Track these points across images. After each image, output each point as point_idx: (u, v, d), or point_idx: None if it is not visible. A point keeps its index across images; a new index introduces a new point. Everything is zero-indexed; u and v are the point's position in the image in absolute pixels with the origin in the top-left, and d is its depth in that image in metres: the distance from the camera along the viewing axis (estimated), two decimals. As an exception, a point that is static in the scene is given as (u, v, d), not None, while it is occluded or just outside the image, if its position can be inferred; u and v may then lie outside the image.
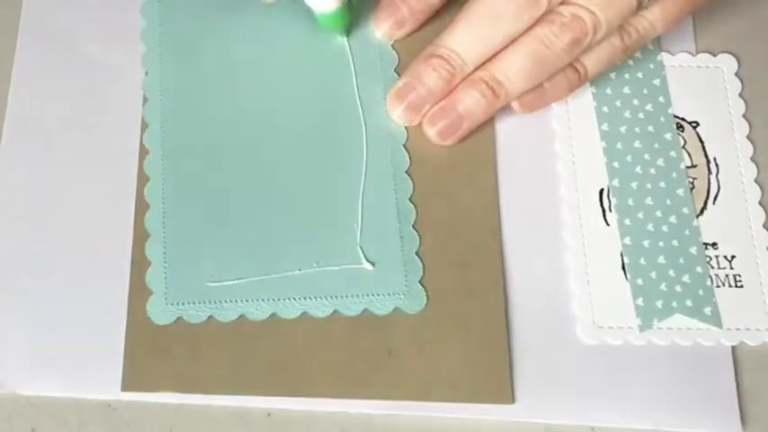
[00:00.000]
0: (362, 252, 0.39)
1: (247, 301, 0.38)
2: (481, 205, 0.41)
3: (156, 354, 0.37)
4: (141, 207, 0.39)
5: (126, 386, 0.36)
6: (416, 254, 0.39)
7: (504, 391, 0.38)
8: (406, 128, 0.42)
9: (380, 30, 0.43)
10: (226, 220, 0.39)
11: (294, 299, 0.38)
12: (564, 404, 0.38)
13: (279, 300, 0.38)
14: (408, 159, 0.41)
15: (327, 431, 0.37)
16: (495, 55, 0.40)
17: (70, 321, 0.37)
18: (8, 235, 0.39)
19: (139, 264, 0.38)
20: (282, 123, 0.41)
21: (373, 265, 0.39)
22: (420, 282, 0.39)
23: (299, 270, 0.38)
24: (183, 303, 0.37)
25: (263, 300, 0.38)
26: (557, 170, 0.43)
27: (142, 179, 0.39)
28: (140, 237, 0.39)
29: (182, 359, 0.37)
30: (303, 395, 0.37)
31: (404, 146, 0.41)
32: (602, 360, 0.39)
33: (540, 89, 0.41)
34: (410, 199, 0.40)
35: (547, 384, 0.39)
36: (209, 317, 0.37)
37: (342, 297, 0.38)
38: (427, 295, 0.39)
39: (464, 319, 0.39)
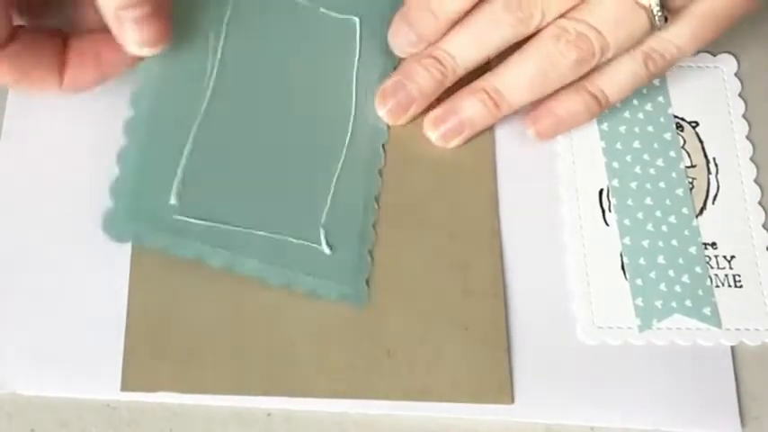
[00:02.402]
0: (324, 234, 0.39)
1: (207, 245, 0.37)
2: (481, 205, 0.41)
3: (155, 354, 0.37)
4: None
5: (125, 386, 0.36)
6: (369, 252, 0.39)
7: (503, 390, 0.38)
8: (388, 127, 0.42)
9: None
10: (204, 159, 0.38)
11: (252, 257, 0.38)
12: (564, 404, 0.38)
13: (237, 253, 0.37)
14: (383, 159, 0.41)
15: (327, 431, 0.37)
16: (500, 64, 0.40)
17: (70, 321, 0.37)
18: (8, 235, 0.39)
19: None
20: (277, 86, 0.41)
21: (331, 249, 0.39)
22: (366, 281, 0.39)
23: (263, 232, 0.38)
24: (144, 222, 0.37)
25: (221, 248, 0.37)
26: (557, 170, 0.43)
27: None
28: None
29: (181, 359, 0.37)
30: (302, 395, 0.37)
31: (382, 145, 0.41)
32: (602, 360, 0.39)
33: (556, 117, 0.41)
34: (376, 198, 0.40)
35: (547, 384, 0.39)
36: (166, 247, 0.37)
37: (296, 271, 0.38)
38: (370, 295, 0.39)
39: (464, 319, 0.39)
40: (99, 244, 0.39)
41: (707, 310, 0.41)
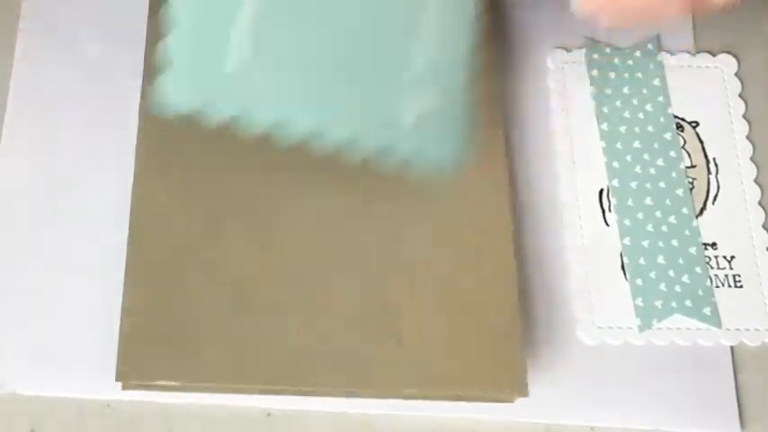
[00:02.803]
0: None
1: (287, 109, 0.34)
2: (494, 197, 0.40)
3: (151, 343, 0.36)
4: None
5: (120, 376, 0.35)
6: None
7: (518, 379, 0.37)
8: None
9: None
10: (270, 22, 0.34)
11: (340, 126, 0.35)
12: (564, 404, 0.38)
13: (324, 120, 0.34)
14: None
15: (327, 431, 0.37)
16: None
17: (70, 321, 0.37)
18: (8, 235, 0.39)
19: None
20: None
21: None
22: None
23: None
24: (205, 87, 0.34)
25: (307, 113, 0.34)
26: (557, 170, 0.43)
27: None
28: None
29: (179, 349, 0.36)
30: (307, 384, 0.36)
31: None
32: (602, 360, 0.39)
33: None
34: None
35: (547, 384, 0.39)
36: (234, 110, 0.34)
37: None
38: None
39: (477, 307, 0.38)
40: (99, 244, 0.39)
41: (707, 310, 0.41)
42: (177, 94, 0.33)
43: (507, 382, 0.37)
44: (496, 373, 0.37)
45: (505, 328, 0.38)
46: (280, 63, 0.34)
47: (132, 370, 0.35)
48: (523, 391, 0.37)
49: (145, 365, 0.36)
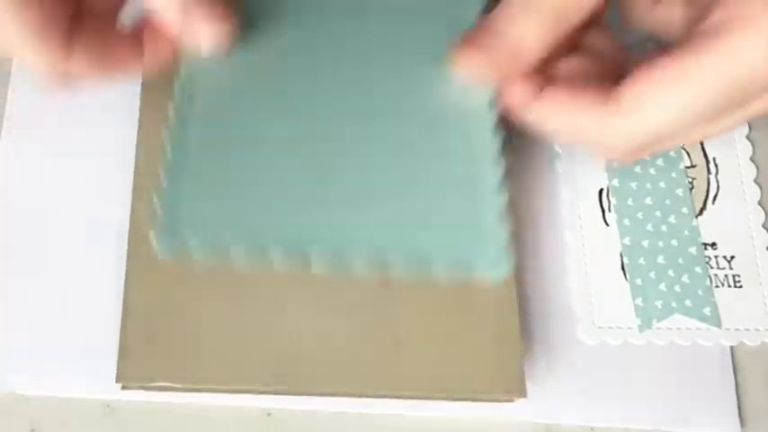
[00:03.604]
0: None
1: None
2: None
3: (152, 345, 0.36)
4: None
5: (120, 378, 0.35)
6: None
7: (516, 383, 0.37)
8: None
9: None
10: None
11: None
12: (564, 404, 0.38)
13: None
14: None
15: (327, 431, 0.37)
16: None
17: (70, 321, 0.37)
18: (8, 235, 0.39)
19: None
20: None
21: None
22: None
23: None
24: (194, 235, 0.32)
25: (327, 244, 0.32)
26: (556, 170, 0.43)
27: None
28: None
29: (179, 351, 0.36)
30: (307, 387, 0.36)
31: None
32: (602, 360, 0.39)
33: None
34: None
35: (547, 384, 0.39)
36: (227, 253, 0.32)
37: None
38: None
39: (476, 309, 0.38)
40: (99, 244, 0.39)
41: (707, 310, 0.41)
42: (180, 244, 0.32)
43: (504, 383, 0.37)
44: (493, 374, 0.37)
45: (504, 330, 0.38)
46: (299, 195, 0.33)
47: (133, 372, 0.35)
48: (521, 393, 0.37)
49: (145, 367, 0.36)
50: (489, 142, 0.35)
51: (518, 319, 0.38)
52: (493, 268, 0.33)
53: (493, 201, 0.34)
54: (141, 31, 0.34)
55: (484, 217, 0.34)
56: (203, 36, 0.34)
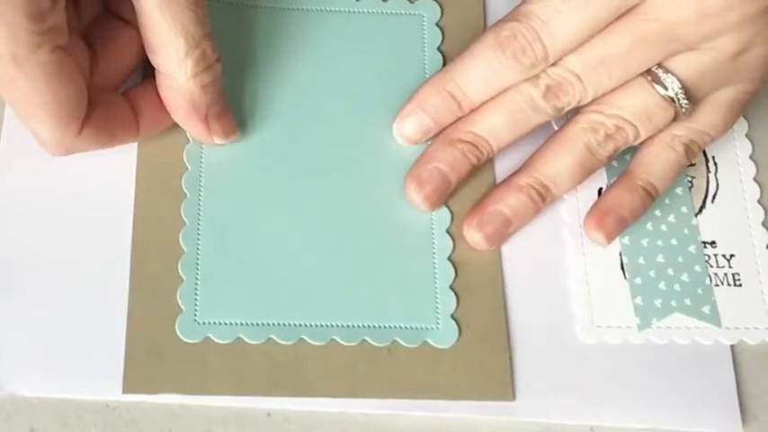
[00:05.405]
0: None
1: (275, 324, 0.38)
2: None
3: (156, 356, 0.37)
4: (177, 223, 0.39)
5: (127, 389, 0.36)
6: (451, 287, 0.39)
7: (505, 386, 0.38)
8: None
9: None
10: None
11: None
12: (564, 404, 0.38)
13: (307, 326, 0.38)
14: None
15: (327, 431, 0.37)
16: (534, 157, 0.40)
17: (70, 321, 0.37)
18: (8, 235, 0.39)
19: (167, 279, 0.38)
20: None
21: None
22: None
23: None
24: (212, 323, 0.37)
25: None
26: (556, 169, 0.43)
27: (179, 195, 0.39)
28: (173, 252, 0.38)
29: (183, 361, 0.37)
30: (304, 395, 0.37)
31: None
32: (602, 359, 0.39)
33: (621, 219, 0.41)
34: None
35: (547, 384, 0.39)
36: (238, 338, 0.37)
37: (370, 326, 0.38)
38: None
39: (464, 317, 0.39)
40: (99, 244, 0.39)
41: (706, 309, 0.41)
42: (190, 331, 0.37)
43: (492, 387, 0.38)
44: (482, 378, 0.38)
45: (492, 337, 0.39)
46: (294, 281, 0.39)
47: (139, 382, 0.36)
48: (509, 397, 0.38)
49: (151, 378, 0.36)
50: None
51: (505, 324, 0.39)
52: (441, 340, 0.38)
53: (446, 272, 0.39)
54: (139, 101, 0.38)
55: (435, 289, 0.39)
56: (215, 143, 0.39)
